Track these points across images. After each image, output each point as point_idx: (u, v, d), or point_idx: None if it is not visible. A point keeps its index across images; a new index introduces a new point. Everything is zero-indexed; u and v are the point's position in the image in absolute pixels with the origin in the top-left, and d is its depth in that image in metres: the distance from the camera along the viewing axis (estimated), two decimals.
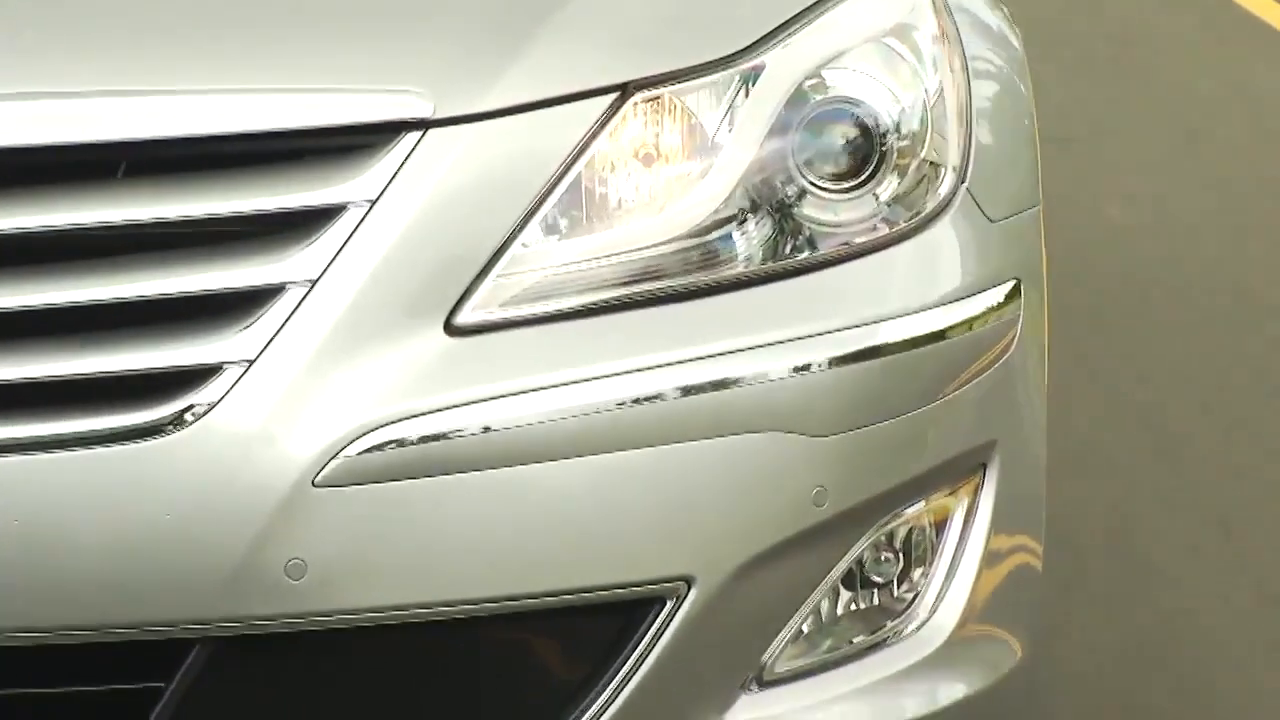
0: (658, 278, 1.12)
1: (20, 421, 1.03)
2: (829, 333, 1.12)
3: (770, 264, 1.14)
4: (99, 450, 1.02)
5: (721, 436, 1.09)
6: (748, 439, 1.10)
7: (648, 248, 1.12)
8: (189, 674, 1.06)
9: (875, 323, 1.14)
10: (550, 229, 1.10)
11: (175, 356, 1.03)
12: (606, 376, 1.08)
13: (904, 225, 1.17)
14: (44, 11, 1.11)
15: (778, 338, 1.11)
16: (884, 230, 1.16)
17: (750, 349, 1.11)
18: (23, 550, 1.03)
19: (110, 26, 1.11)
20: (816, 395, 1.12)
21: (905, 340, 1.14)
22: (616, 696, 1.10)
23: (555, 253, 1.10)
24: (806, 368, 1.11)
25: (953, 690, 1.23)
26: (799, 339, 1.11)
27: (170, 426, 1.03)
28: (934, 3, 1.24)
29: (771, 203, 1.15)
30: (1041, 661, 1.38)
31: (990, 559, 1.24)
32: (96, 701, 1.07)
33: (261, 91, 1.08)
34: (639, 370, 1.08)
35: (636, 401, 1.08)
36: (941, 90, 1.20)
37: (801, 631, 1.16)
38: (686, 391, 1.09)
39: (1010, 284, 1.22)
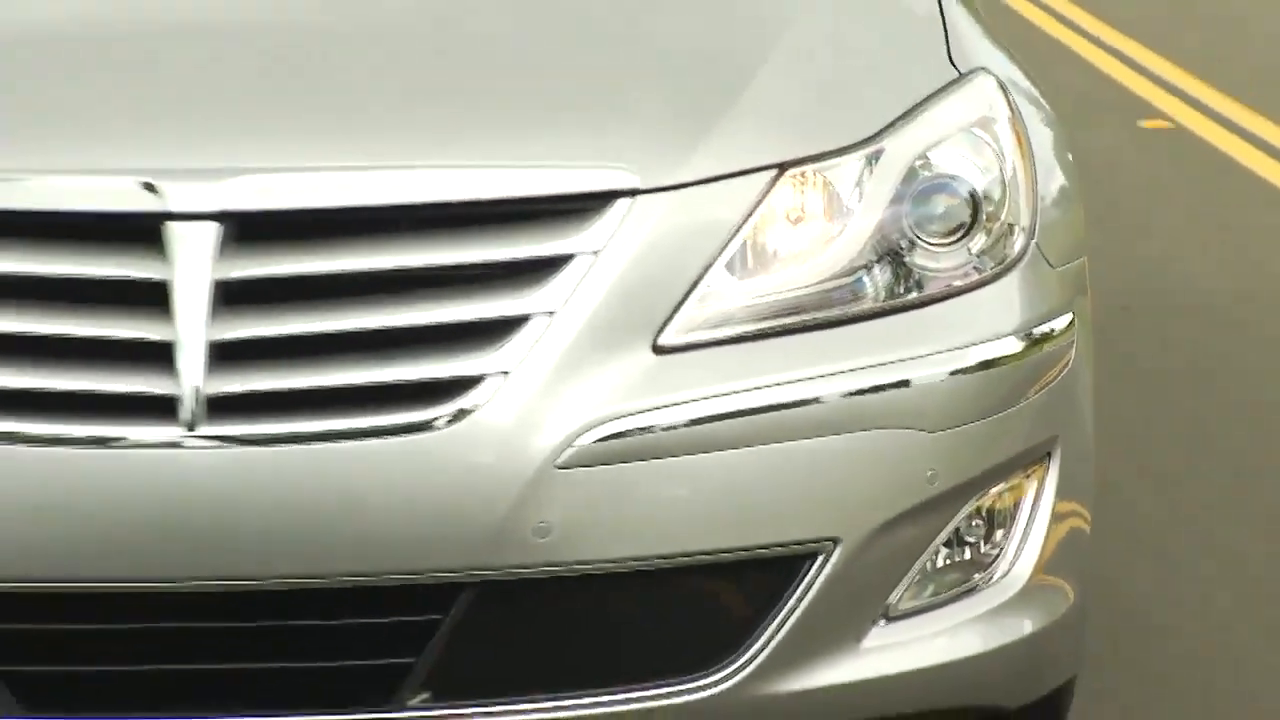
0: (808, 311, 1.45)
1: (335, 417, 1.34)
2: (936, 354, 1.46)
3: (890, 301, 1.48)
4: (392, 440, 1.34)
5: (858, 431, 1.43)
6: (877, 434, 1.43)
7: (800, 289, 1.45)
8: (460, 609, 1.37)
9: (969, 346, 1.48)
10: (728, 273, 1.43)
11: (450, 369, 1.35)
12: (772, 385, 1.41)
13: (989, 272, 1.51)
14: (358, 99, 1.44)
15: (898, 357, 1.45)
16: (975, 276, 1.50)
17: (878, 366, 1.44)
18: (338, 516, 1.35)
19: (399, 111, 1.46)
20: (929, 401, 1.45)
21: (992, 360, 1.48)
22: (782, 628, 1.42)
23: (732, 292, 1.43)
24: (921, 380, 1.45)
25: (1024, 626, 1.55)
26: (914, 359, 1.45)
27: (446, 422, 1.35)
28: (1007, 101, 1.59)
29: (891, 254, 1.48)
30: (1089, 603, 1.71)
31: (1053, 525, 1.57)
32: (390, 631, 1.39)
33: (514, 166, 1.41)
34: (796, 381, 1.41)
35: (795, 404, 1.41)
36: (1015, 168, 1.55)
37: (915, 579, 1.50)
38: (832, 397, 1.42)
39: (1068, 317, 1.56)
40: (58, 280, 1.35)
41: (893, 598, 1.48)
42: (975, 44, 1.70)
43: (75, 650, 1.40)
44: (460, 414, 1.34)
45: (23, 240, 1.35)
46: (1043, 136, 1.70)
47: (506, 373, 1.35)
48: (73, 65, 1.52)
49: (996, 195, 1.52)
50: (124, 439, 1.33)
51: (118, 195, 1.36)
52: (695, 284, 1.41)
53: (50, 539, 1.34)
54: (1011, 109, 1.59)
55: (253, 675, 1.41)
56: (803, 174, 1.46)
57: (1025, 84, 1.75)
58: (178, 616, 1.38)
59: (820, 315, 1.45)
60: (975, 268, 1.51)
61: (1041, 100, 1.78)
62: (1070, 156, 1.76)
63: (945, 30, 1.66)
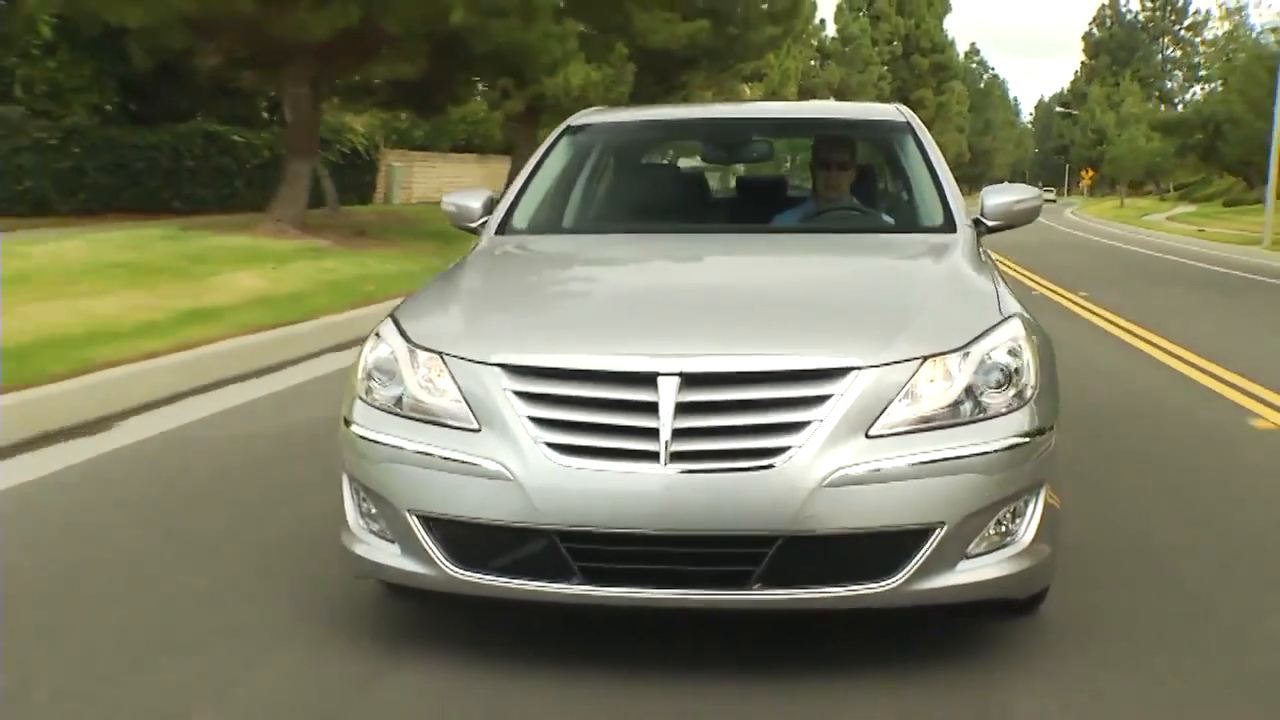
0: (935, 420, 3.18)
1: (727, 460, 3.07)
2: (994, 440, 3.18)
3: (972, 417, 3.21)
4: (754, 472, 3.06)
5: (958, 474, 3.14)
6: (966, 475, 3.15)
7: (932, 410, 3.19)
8: (776, 548, 3.10)
9: (1009, 438, 3.20)
10: (901, 403, 3.17)
11: (779, 442, 3.08)
12: (919, 453, 3.12)
13: (1017, 405, 3.25)
14: (736, 325, 3.33)
15: (976, 441, 3.17)
16: (1011, 406, 3.24)
17: (969, 444, 3.15)
18: (727, 503, 3.06)
19: (753, 329, 3.30)
20: (990, 462, 3.16)
21: (1018, 444, 3.20)
22: (919, 560, 3.11)
23: (902, 411, 3.17)
24: (986, 452, 3.17)
25: (1028, 560, 3.26)
26: (984, 442, 3.17)
27: (778, 465, 3.08)
28: (1025, 328, 3.36)
29: (974, 396, 3.23)
30: (1058, 555, 3.45)
31: (1042, 516, 3.27)
32: (746, 555, 3.10)
33: (808, 354, 3.19)
34: (930, 450, 3.12)
35: (930, 461, 3.11)
36: (1029, 359, 3.31)
37: (982, 539, 3.18)
38: (947, 458, 3.14)
39: (1052, 424, 3.30)
40: (614, 400, 3.16)
41: (970, 548, 3.18)
42: (1009, 300, 3.51)
43: (611, 556, 3.16)
44: (785, 461, 3.07)
45: (602, 383, 3.17)
46: (1040, 342, 3.47)
47: (802, 446, 3.08)
48: (619, 309, 3.47)
49: (1023, 373, 3.28)
50: (639, 472, 3.08)
51: (641, 364, 3.16)
52: (885, 408, 3.14)
53: (613, 508, 3.09)
54: (1027, 332, 3.38)
55: (683, 573, 3.11)
56: (934, 361, 3.23)
57: (1031, 318, 3.54)
58: (653, 543, 3.09)
59: (941, 422, 3.18)
60: (1008, 403, 3.25)
61: (1038, 324, 3.56)
62: (1051, 351, 3.51)
63: (997, 295, 3.49)
